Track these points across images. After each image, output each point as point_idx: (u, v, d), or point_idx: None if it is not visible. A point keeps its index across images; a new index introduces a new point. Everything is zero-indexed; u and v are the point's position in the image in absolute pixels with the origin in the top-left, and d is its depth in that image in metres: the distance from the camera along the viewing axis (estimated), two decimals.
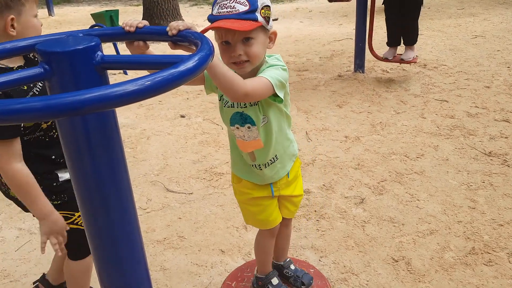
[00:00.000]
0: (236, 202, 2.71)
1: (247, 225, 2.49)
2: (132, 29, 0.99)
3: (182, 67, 0.72)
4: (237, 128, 1.53)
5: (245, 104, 1.47)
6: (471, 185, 2.77)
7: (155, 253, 2.32)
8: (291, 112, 4.20)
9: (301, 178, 1.81)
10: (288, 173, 1.69)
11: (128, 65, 0.84)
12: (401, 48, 4.69)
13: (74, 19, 10.43)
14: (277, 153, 1.61)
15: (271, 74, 1.38)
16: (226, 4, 1.32)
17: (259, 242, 1.89)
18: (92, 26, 5.84)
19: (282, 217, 1.82)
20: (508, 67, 4.89)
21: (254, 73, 1.43)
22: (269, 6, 1.36)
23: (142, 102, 4.54)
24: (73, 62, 0.76)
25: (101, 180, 0.84)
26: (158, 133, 3.82)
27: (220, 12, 1.32)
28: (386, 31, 4.74)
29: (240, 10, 1.30)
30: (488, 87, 4.38)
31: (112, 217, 0.88)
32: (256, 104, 1.47)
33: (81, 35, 0.95)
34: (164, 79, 0.70)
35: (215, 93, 1.57)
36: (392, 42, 4.67)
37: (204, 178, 3.03)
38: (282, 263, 2.03)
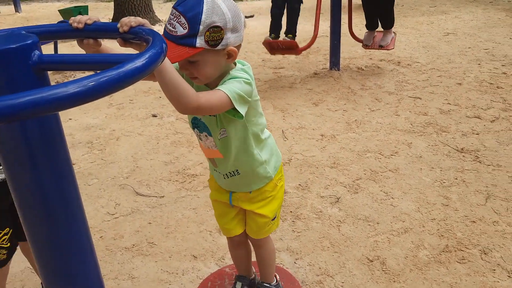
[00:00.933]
0: (210, 204, 2.65)
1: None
2: (81, 25, 0.91)
3: (129, 66, 0.66)
4: (197, 133, 1.48)
5: None
6: (444, 182, 2.77)
7: (123, 261, 2.23)
8: (267, 111, 4.15)
9: (277, 202, 1.65)
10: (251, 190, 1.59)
11: (70, 65, 0.76)
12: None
13: (42, 16, 10.13)
14: (240, 169, 1.50)
15: (230, 87, 1.26)
16: (171, 20, 1.20)
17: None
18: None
19: (250, 236, 1.73)
20: (479, 64, 4.96)
21: (217, 83, 1.32)
22: (218, 27, 1.19)
23: (112, 101, 4.41)
24: (6, 62, 0.68)
25: (43, 193, 0.76)
26: (128, 133, 3.71)
27: (167, 28, 1.22)
28: (363, 21, 4.82)
29: (178, 34, 1.18)
30: (460, 84, 4.42)
31: (59, 233, 0.80)
32: (215, 116, 1.38)
33: (23, 32, 0.87)
34: (110, 79, 0.64)
35: None
36: (371, 25, 4.75)
37: (176, 180, 2.95)
38: (259, 281, 1.94)
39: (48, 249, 0.83)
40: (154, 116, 4.03)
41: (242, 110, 1.28)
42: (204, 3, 1.17)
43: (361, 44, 4.88)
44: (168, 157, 3.26)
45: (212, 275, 2.03)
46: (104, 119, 4.03)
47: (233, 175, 1.51)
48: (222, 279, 1.99)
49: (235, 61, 1.37)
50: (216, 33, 1.19)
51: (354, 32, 5.02)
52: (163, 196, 2.78)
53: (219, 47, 1.22)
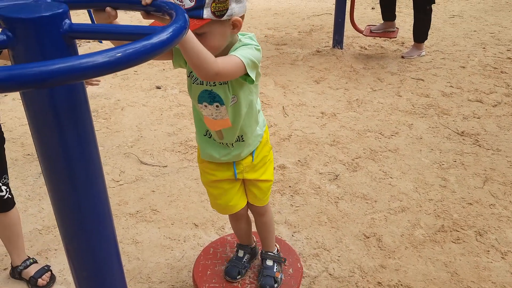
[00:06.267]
0: None
1: None
2: None
3: (155, 39, 0.69)
4: (205, 106, 1.48)
5: (215, 82, 1.42)
6: (443, 164, 2.83)
7: (127, 226, 2.30)
8: (268, 87, 4.16)
9: (272, 164, 1.74)
10: (252, 156, 1.64)
11: (98, 35, 0.79)
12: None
13: None
14: (243, 134, 1.57)
15: (243, 53, 1.32)
16: None
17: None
18: None
19: (252, 204, 1.78)
20: (484, 48, 4.95)
21: (226, 51, 1.38)
22: None
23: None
24: (39, 30, 0.71)
25: (69, 157, 0.80)
26: (132, 104, 3.73)
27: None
28: (378, 8, 4.80)
29: (186, 6, 1.22)
30: (463, 67, 4.43)
31: (81, 195, 0.84)
32: (226, 83, 1.42)
33: (49, 0, 0.89)
34: (136, 51, 0.67)
35: (183, 67, 1.52)
36: (386, 15, 4.73)
37: (179, 151, 3.00)
38: (263, 251, 1.97)
39: (69, 208, 0.87)
40: (158, 88, 4.04)
41: (253, 75, 1.35)
42: None
43: (362, 33, 4.80)
44: (171, 128, 3.30)
45: (214, 242, 2.10)
46: (109, 89, 4.05)
47: (238, 141, 1.57)
48: (223, 246, 2.06)
49: (238, 33, 1.42)
50: (221, 3, 1.24)
51: (355, 12, 4.97)
52: (166, 166, 2.83)
53: (224, 17, 1.27)
